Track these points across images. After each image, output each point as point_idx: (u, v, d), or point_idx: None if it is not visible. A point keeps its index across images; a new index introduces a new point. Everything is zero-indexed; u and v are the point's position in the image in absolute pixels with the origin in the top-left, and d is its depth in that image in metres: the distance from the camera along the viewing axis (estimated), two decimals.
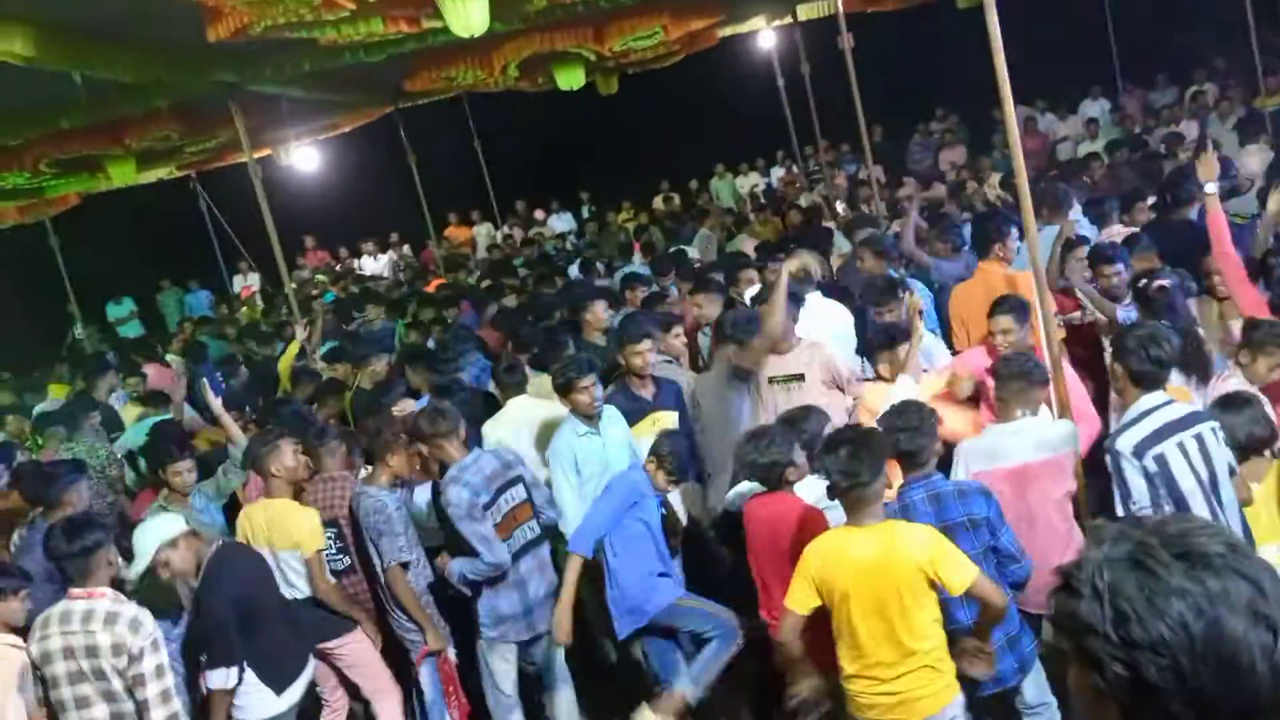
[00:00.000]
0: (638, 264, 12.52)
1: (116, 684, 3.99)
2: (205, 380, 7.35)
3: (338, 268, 19.80)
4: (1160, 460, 4.04)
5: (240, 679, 4.65)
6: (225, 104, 9.50)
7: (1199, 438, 4.08)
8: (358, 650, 5.48)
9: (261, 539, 5.40)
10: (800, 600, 3.96)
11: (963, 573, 3.75)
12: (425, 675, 5.42)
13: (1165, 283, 5.79)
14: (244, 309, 17.05)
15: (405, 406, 6.65)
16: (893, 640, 3.84)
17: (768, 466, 4.52)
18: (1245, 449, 4.29)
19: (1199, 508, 4.00)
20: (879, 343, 5.71)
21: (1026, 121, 16.56)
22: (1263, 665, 1.27)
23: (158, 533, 4.74)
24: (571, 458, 5.54)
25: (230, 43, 6.94)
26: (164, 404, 8.90)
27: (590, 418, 5.60)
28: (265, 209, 9.42)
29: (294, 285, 13.52)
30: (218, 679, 4.57)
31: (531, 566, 5.26)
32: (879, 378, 5.66)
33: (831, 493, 3.97)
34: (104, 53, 7.63)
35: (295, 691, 4.96)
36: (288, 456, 5.50)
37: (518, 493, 5.28)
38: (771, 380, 5.95)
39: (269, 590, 5.03)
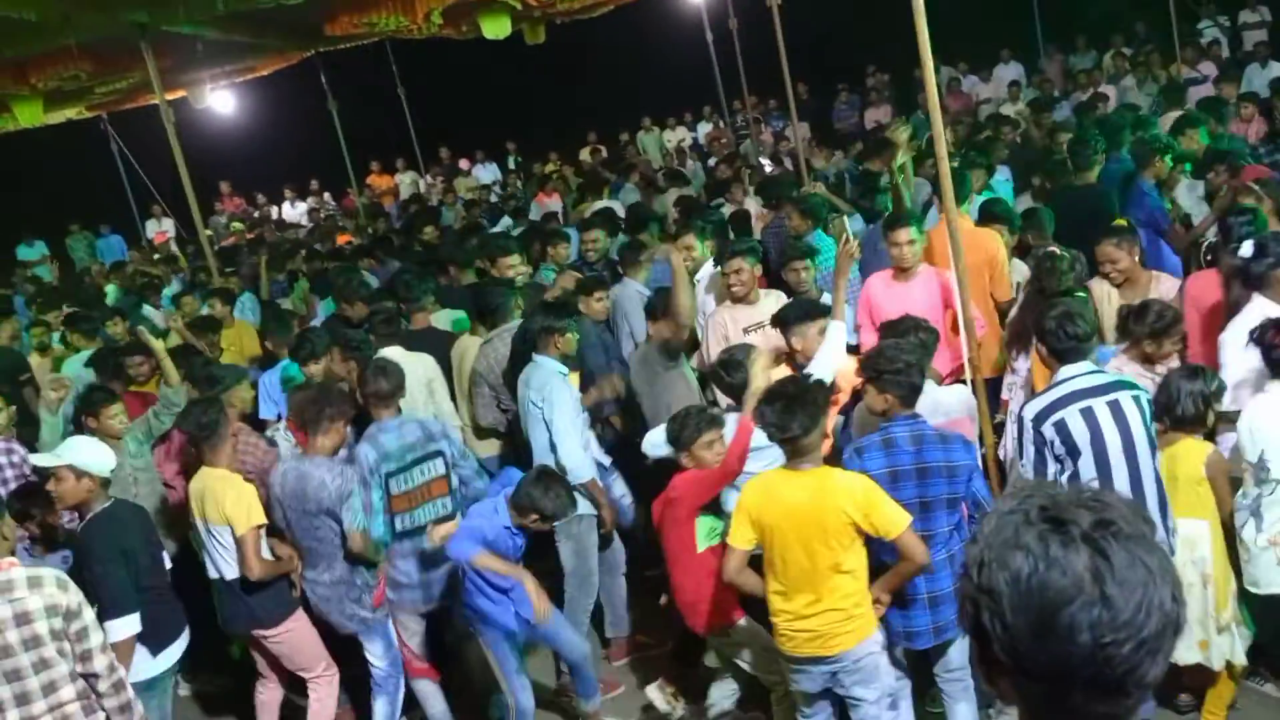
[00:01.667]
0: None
1: (51, 649, 3.84)
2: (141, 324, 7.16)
3: (255, 214, 19.39)
4: (1060, 425, 4.14)
5: (141, 626, 4.56)
6: (137, 44, 9.19)
7: (1113, 404, 4.15)
8: (294, 637, 5.17)
9: (197, 510, 5.09)
10: (740, 537, 4.10)
11: (895, 521, 3.88)
12: (377, 650, 5.24)
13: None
14: (156, 255, 16.62)
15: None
16: (812, 580, 3.99)
17: (674, 442, 4.77)
18: (1183, 420, 4.38)
19: (1094, 470, 4.10)
20: (794, 316, 5.48)
21: (950, 82, 16.72)
22: (1084, 636, 1.31)
23: (90, 453, 4.65)
24: (568, 397, 5.57)
25: None
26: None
27: (567, 359, 5.71)
28: (178, 153, 9.18)
29: (209, 232, 13.28)
30: (119, 629, 4.45)
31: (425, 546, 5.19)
32: (791, 352, 5.45)
33: (769, 437, 4.10)
34: None
35: (173, 654, 4.87)
36: (232, 420, 5.30)
37: (435, 467, 5.21)
38: (745, 330, 6.17)
39: (155, 549, 4.90)
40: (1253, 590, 4.26)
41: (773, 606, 4.14)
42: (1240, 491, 4.26)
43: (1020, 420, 4.29)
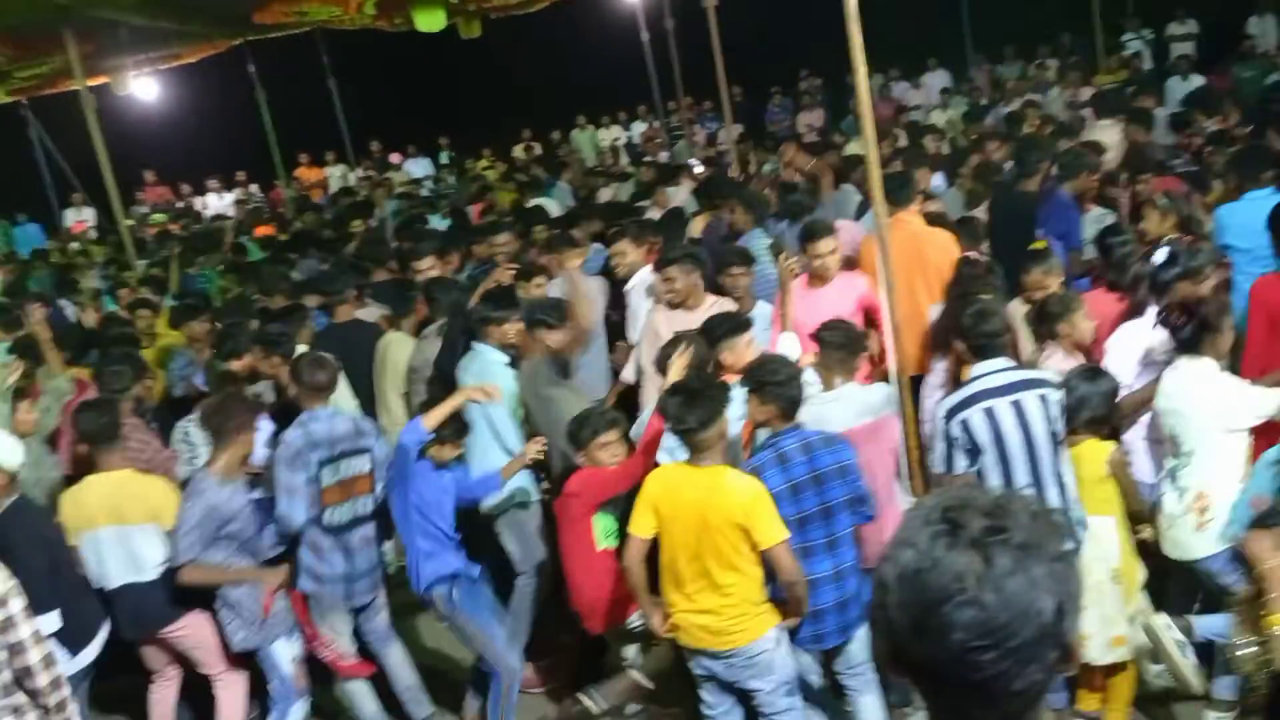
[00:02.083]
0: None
1: None
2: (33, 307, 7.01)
3: (179, 205, 19.00)
4: (965, 424, 4.31)
5: (61, 622, 4.43)
6: (58, 28, 8.95)
7: (1016, 403, 4.30)
8: (196, 631, 5.08)
9: (100, 517, 4.90)
10: (640, 525, 4.16)
11: (771, 533, 3.96)
12: (266, 668, 5.10)
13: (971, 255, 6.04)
14: (74, 244, 16.22)
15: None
16: (706, 575, 4.07)
17: (572, 440, 4.85)
18: (1088, 422, 4.48)
19: (998, 467, 4.26)
20: (719, 332, 5.31)
21: (881, 89, 16.92)
22: (956, 636, 1.33)
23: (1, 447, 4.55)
24: (509, 384, 5.55)
25: None
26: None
27: (507, 348, 5.70)
28: (98, 140, 8.98)
29: (131, 222, 12.99)
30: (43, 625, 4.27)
31: (362, 539, 5.18)
32: (718, 368, 5.26)
33: (669, 429, 4.19)
34: None
35: (90, 653, 4.75)
36: (128, 420, 5.21)
37: (361, 464, 5.17)
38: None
39: (66, 547, 4.79)
40: (1174, 556, 4.45)
41: (667, 598, 4.22)
42: (1162, 464, 4.52)
43: (934, 417, 4.48)
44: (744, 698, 4.30)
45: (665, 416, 4.16)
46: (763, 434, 4.50)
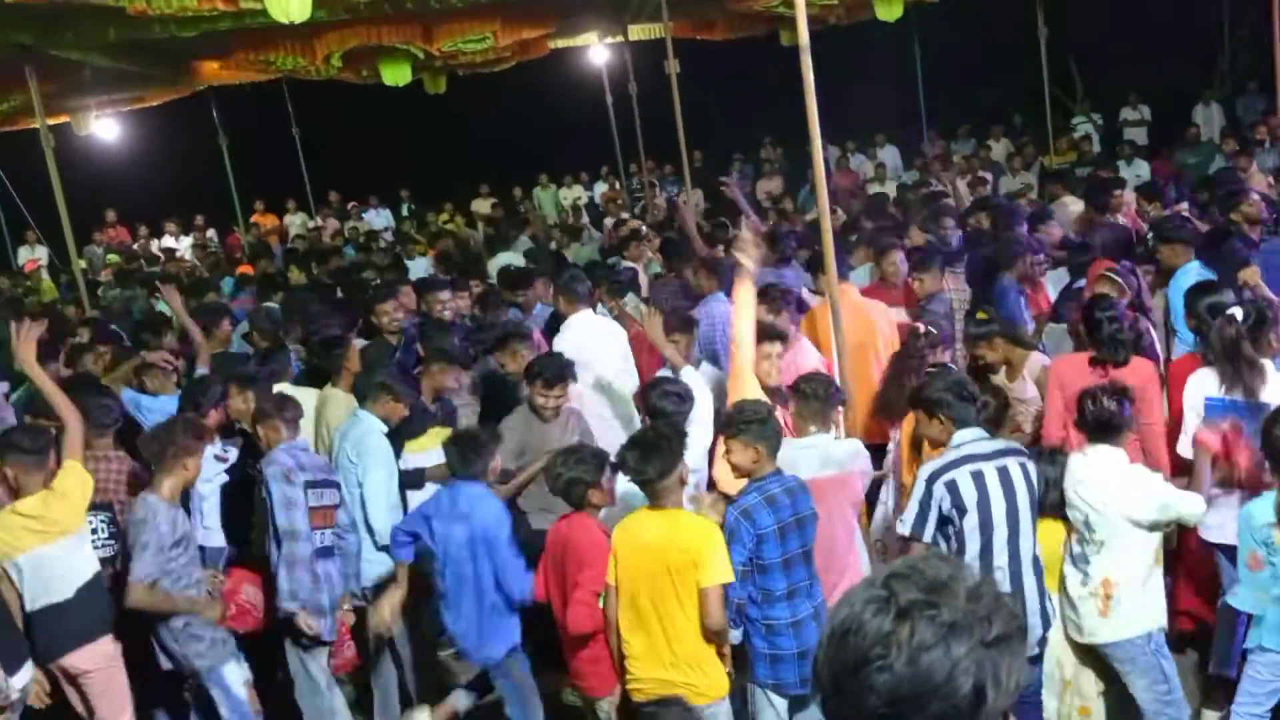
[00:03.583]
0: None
1: None
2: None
3: (134, 247, 18.83)
4: (950, 485, 4.23)
5: None
6: (19, 65, 8.92)
7: (1002, 470, 4.27)
8: (110, 673, 4.84)
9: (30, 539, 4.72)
10: (614, 575, 4.18)
11: (717, 572, 4.00)
12: (218, 696, 4.93)
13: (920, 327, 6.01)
14: (28, 283, 15.99)
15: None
16: (660, 622, 4.09)
17: (568, 483, 4.48)
18: (1049, 505, 4.48)
19: (977, 531, 4.20)
20: (674, 324, 6.04)
21: (839, 160, 17.24)
22: (870, 700, 1.36)
23: None
24: (385, 456, 5.50)
25: (30, 3, 6.54)
26: None
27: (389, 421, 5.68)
28: (55, 179, 8.92)
29: (84, 262, 12.86)
30: None
31: (325, 572, 5.11)
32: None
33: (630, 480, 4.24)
34: None
35: (22, 677, 4.53)
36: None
37: (331, 495, 5.18)
38: None
39: None
40: (1075, 639, 4.43)
41: (625, 649, 4.21)
42: (1066, 544, 4.47)
43: (915, 478, 4.39)
44: None
45: (624, 469, 4.19)
46: None
